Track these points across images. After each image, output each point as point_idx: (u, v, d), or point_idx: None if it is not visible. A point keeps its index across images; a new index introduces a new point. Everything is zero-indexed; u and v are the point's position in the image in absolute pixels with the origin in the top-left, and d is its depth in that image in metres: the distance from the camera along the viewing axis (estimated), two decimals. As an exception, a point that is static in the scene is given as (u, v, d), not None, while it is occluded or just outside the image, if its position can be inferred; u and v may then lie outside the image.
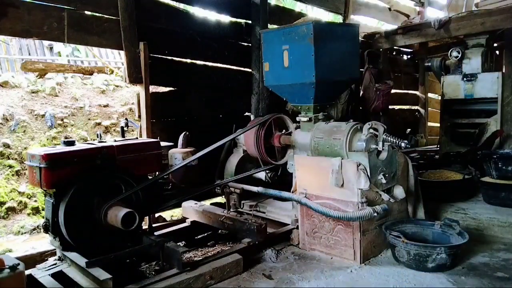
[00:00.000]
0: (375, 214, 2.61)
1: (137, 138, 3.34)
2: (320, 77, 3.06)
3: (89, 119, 5.83)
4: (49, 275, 2.41)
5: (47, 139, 5.22)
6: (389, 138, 2.77)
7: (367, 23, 6.83)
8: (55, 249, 2.67)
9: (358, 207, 2.64)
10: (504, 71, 5.23)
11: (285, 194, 3.12)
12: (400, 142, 2.74)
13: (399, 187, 2.92)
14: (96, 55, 8.84)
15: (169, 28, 3.81)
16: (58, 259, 2.61)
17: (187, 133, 3.38)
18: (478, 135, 5.19)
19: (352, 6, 5.96)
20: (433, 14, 7.63)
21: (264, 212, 3.47)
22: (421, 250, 2.54)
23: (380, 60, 5.98)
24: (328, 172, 2.73)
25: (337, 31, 3.31)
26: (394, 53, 6.98)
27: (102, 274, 2.22)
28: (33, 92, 5.78)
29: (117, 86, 6.72)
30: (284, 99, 3.72)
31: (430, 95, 7.64)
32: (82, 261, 2.34)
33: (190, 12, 4.11)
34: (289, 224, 3.19)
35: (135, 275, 2.71)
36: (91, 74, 6.98)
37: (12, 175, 4.70)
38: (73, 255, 2.46)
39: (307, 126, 3.27)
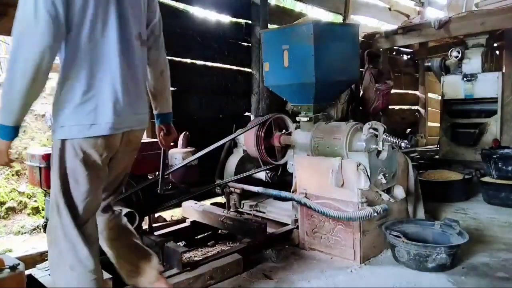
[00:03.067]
0: (375, 214, 2.61)
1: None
2: (320, 77, 3.06)
3: (89, 119, 5.83)
4: (49, 275, 2.40)
5: (47, 139, 5.22)
6: (389, 138, 2.76)
7: (367, 23, 6.83)
8: (55, 249, 2.67)
9: (358, 207, 2.64)
10: (504, 71, 5.24)
11: (285, 194, 3.12)
12: (400, 142, 2.74)
13: (399, 187, 2.92)
14: (96, 55, 8.82)
15: (169, 28, 3.80)
16: (58, 259, 2.60)
17: (187, 133, 3.37)
18: (478, 135, 5.20)
19: (352, 6, 5.95)
20: (433, 14, 7.63)
21: (264, 212, 3.47)
22: (421, 250, 2.54)
23: (380, 60, 5.98)
24: (328, 172, 2.73)
25: (337, 31, 3.31)
26: (394, 53, 6.98)
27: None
28: (33, 92, 5.78)
29: (117, 86, 6.71)
30: (284, 99, 3.72)
31: (430, 95, 7.64)
32: (82, 261, 2.34)
33: (190, 12, 4.11)
34: (289, 224, 3.19)
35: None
36: (91, 74, 6.97)
37: (12, 175, 4.70)
38: (73, 255, 2.45)
39: (307, 126, 3.26)
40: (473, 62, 5.22)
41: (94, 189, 1.72)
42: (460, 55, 5.25)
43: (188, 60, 3.99)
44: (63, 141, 1.65)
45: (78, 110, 1.61)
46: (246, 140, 3.49)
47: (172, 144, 2.23)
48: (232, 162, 3.67)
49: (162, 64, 1.98)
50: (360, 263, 2.71)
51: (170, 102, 2.07)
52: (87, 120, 1.61)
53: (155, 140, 3.03)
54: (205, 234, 3.54)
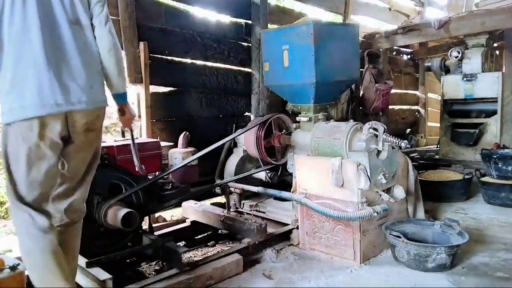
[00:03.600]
0: (375, 214, 2.61)
1: (137, 138, 3.33)
2: (320, 77, 3.06)
3: (89, 119, 5.82)
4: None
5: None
6: (389, 138, 2.76)
7: (367, 23, 6.83)
8: (55, 249, 2.66)
9: (358, 207, 2.64)
10: (504, 71, 5.24)
11: (285, 194, 3.12)
12: (400, 142, 2.74)
13: (399, 187, 2.92)
14: (96, 55, 8.82)
15: (169, 28, 3.81)
16: (58, 259, 2.60)
17: (187, 133, 3.38)
18: (478, 135, 5.20)
19: (352, 6, 5.96)
20: (433, 14, 7.63)
21: (264, 212, 3.47)
22: (421, 250, 2.54)
23: (380, 60, 5.98)
24: (328, 172, 2.73)
25: (337, 31, 3.31)
26: (394, 53, 6.98)
27: (102, 274, 2.22)
28: (33, 92, 5.77)
29: (117, 86, 6.70)
30: (284, 99, 3.72)
31: (430, 95, 7.64)
32: (82, 261, 2.33)
33: (190, 12, 4.11)
34: (289, 224, 3.19)
35: (135, 275, 2.71)
36: (91, 74, 6.96)
37: (12, 175, 4.70)
38: (73, 255, 2.45)
39: (307, 126, 3.27)
40: (473, 62, 5.22)
41: (34, 169, 1.80)
42: (460, 55, 5.26)
43: (188, 60, 3.99)
44: (6, 126, 1.78)
45: (9, 95, 1.75)
46: (246, 140, 3.49)
47: (131, 123, 2.30)
48: (232, 162, 3.67)
49: (107, 43, 1.97)
50: (360, 263, 2.71)
51: (119, 82, 2.07)
52: (16, 104, 1.74)
53: (155, 140, 3.05)
54: (205, 234, 3.54)
